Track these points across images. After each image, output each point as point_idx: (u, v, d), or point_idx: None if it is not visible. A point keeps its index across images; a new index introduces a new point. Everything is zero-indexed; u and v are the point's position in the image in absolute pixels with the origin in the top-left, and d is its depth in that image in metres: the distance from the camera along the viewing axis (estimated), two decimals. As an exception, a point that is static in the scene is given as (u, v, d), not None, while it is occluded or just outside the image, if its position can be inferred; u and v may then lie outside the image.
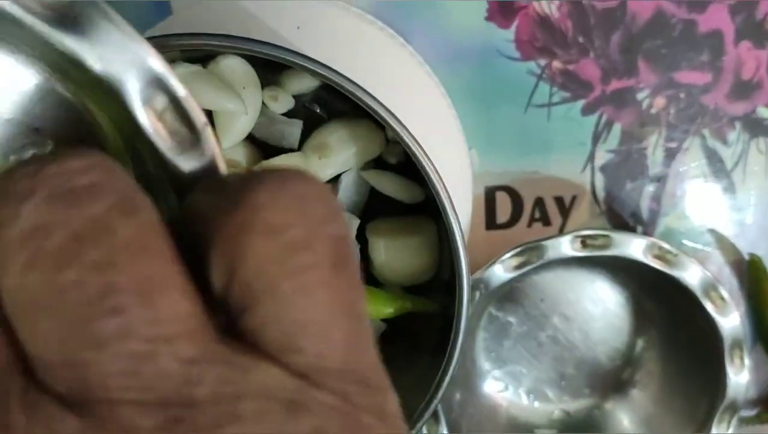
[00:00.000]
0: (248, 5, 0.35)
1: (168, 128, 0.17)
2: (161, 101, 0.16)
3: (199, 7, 0.37)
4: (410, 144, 0.26)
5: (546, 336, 0.43)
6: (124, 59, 0.16)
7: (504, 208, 0.40)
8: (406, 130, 0.26)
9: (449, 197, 0.26)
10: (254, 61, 0.30)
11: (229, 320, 0.13)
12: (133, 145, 0.18)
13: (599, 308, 0.42)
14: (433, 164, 0.26)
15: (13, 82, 0.18)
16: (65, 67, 0.17)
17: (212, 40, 0.25)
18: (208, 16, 0.33)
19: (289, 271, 0.12)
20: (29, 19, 0.15)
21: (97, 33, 0.16)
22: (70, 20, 0.15)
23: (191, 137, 0.17)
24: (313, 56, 0.26)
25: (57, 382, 0.12)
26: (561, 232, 0.41)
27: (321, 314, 0.13)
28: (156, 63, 0.16)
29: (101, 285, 0.11)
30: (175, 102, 0.16)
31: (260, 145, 0.31)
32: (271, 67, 0.31)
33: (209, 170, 0.17)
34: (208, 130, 0.17)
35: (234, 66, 0.30)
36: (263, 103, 0.31)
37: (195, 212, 0.14)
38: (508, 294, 0.42)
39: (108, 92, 0.16)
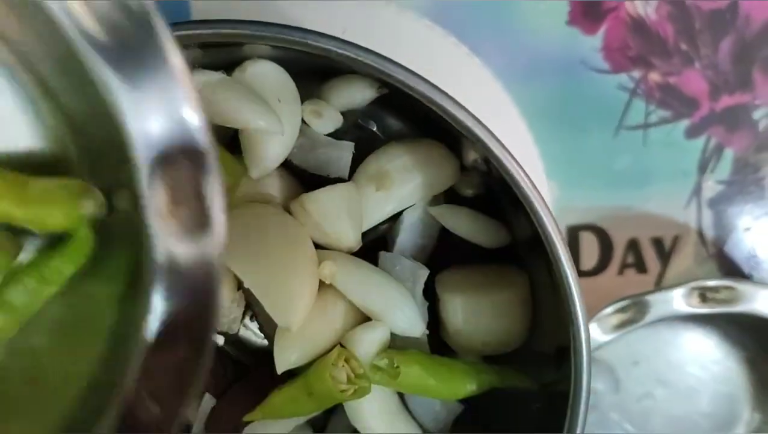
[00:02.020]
0: (284, 8, 0.29)
1: (174, 202, 0.15)
2: (176, 177, 0.15)
3: (225, 11, 0.31)
4: (509, 167, 0.19)
5: (641, 408, 0.36)
6: (161, 113, 0.15)
7: (590, 251, 0.35)
8: (505, 148, 0.19)
9: (562, 239, 0.19)
10: (291, 67, 0.24)
11: None
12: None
13: (706, 373, 0.36)
14: (540, 195, 0.19)
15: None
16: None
17: (243, 29, 0.19)
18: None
19: None
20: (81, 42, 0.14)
21: (146, 75, 0.15)
22: (122, 51, 0.14)
23: (200, 220, 0.15)
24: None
25: None
26: (660, 280, 0.35)
27: None
28: (197, 128, 0.15)
29: None
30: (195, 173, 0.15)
31: (300, 174, 0.26)
32: (312, 75, 0.25)
33: (204, 267, 0.15)
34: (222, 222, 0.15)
35: (266, 73, 0.24)
36: (303, 120, 0.26)
37: None
38: (594, 355, 0.35)
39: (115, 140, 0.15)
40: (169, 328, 0.15)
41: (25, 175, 0.19)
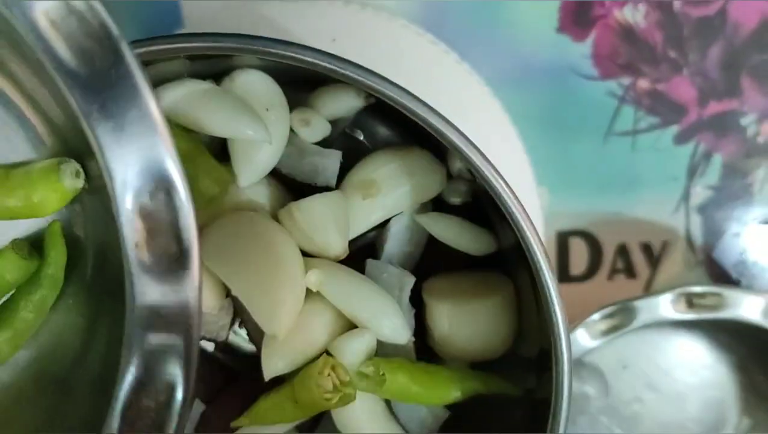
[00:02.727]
0: (274, 14, 0.30)
1: (149, 234, 0.15)
2: (157, 205, 0.15)
3: (215, 19, 0.32)
4: (491, 178, 0.19)
5: (630, 412, 0.36)
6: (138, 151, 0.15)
7: (579, 257, 0.35)
8: (487, 160, 0.19)
9: (543, 249, 0.19)
10: (280, 76, 0.24)
11: None
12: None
13: (696, 378, 0.36)
14: (522, 206, 0.19)
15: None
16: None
17: (228, 42, 0.19)
18: (226, 28, 0.28)
19: None
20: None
21: (118, 106, 0.15)
22: (94, 80, 0.15)
23: (175, 260, 0.15)
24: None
25: None
26: (650, 285, 0.35)
27: None
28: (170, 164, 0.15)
29: None
30: (171, 211, 0.15)
31: (288, 182, 0.26)
32: (301, 84, 0.25)
33: (181, 309, 0.15)
34: (196, 260, 0.16)
35: (254, 82, 0.24)
36: (291, 129, 0.26)
37: None
38: (583, 359, 0.35)
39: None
40: (147, 370, 0.15)
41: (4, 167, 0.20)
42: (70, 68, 0.15)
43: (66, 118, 0.17)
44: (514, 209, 0.20)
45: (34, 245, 0.21)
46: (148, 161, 0.15)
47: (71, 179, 0.19)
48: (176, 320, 0.15)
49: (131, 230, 0.15)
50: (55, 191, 0.19)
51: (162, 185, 0.15)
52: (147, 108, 0.15)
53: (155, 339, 0.15)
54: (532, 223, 0.20)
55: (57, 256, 0.20)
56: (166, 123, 0.15)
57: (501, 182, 0.20)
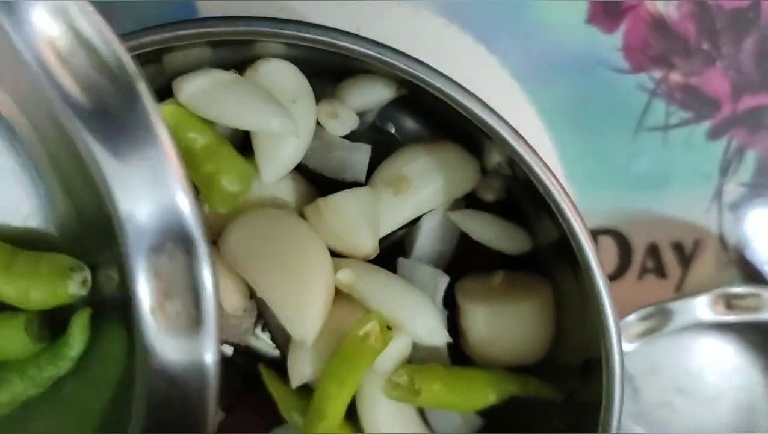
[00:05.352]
0: (294, 3, 0.29)
1: (164, 295, 0.14)
2: (167, 268, 0.14)
3: (231, 10, 0.30)
4: (539, 172, 0.18)
5: (659, 416, 0.35)
6: (150, 196, 0.14)
7: (609, 256, 0.33)
8: (535, 153, 0.18)
9: (594, 246, 0.18)
10: (306, 66, 0.23)
11: None
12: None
13: (726, 381, 0.35)
14: (572, 202, 0.18)
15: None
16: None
17: (252, 25, 0.18)
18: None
19: None
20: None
21: (132, 150, 0.14)
22: (105, 120, 0.13)
23: (193, 321, 0.14)
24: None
25: None
26: (681, 286, 0.34)
27: None
28: (189, 215, 0.14)
29: None
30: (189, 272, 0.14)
31: (315, 177, 0.24)
32: (327, 74, 0.24)
33: (195, 369, 0.14)
34: (214, 323, 0.14)
35: (279, 72, 0.23)
36: (318, 122, 0.25)
37: None
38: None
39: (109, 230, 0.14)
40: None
41: (15, 247, 0.18)
42: (79, 107, 0.13)
43: (81, 178, 0.15)
44: (562, 203, 0.19)
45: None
46: (165, 216, 0.13)
47: (77, 288, 0.18)
48: (191, 384, 0.14)
49: (146, 292, 0.13)
50: (55, 295, 0.18)
51: (180, 242, 0.14)
52: (165, 156, 0.13)
53: (166, 400, 0.14)
54: (582, 219, 0.19)
55: (77, 344, 0.18)
56: (184, 168, 0.13)
57: (548, 173, 0.19)
